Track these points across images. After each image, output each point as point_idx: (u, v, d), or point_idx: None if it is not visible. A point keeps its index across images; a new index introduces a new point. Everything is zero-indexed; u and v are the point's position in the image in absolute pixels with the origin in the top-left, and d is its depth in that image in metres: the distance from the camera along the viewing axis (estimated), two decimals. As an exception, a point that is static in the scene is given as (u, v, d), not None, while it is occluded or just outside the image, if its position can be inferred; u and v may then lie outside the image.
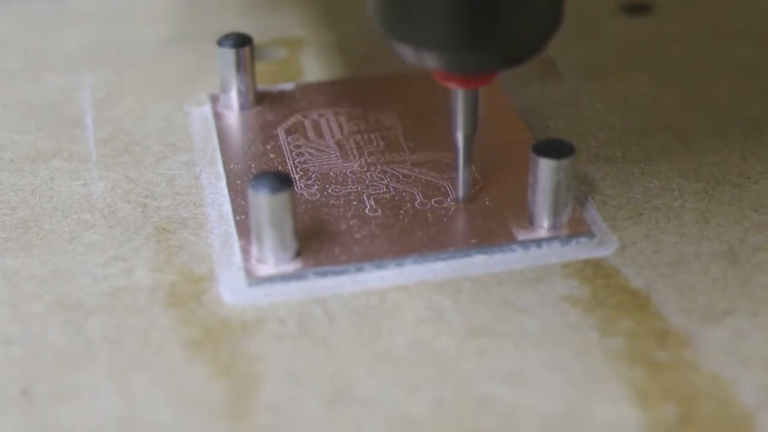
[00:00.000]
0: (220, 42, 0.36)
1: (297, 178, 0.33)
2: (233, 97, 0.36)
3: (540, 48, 0.29)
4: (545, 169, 0.31)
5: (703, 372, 0.28)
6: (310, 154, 0.35)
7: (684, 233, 0.32)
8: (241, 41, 0.36)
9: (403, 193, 0.33)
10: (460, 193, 0.33)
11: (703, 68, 0.39)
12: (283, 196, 0.29)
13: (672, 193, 0.33)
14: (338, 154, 0.35)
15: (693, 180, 0.34)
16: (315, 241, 0.31)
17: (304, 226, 0.32)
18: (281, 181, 0.29)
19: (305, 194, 0.33)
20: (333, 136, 0.35)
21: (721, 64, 0.40)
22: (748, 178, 0.34)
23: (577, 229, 0.32)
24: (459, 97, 0.31)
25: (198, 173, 0.34)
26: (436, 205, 0.32)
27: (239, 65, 0.36)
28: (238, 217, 0.32)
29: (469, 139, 0.32)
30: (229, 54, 0.36)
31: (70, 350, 0.29)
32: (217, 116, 0.36)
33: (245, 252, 0.31)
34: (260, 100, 0.37)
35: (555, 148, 0.31)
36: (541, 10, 0.28)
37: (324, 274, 0.30)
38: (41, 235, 0.32)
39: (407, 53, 0.29)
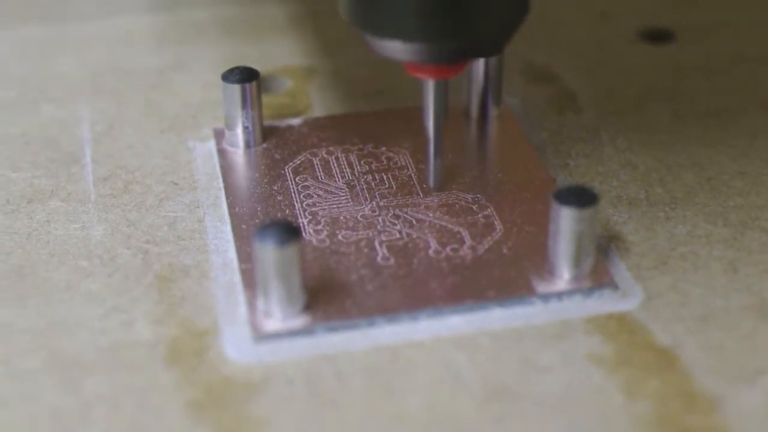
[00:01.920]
0: (225, 77, 0.34)
1: (305, 223, 0.32)
2: (239, 134, 0.35)
3: (508, 37, 0.30)
4: (567, 218, 0.29)
5: (735, 438, 0.26)
6: (318, 195, 0.33)
7: (712, 284, 0.30)
8: (246, 76, 0.34)
9: (417, 240, 0.31)
10: (432, 182, 0.33)
11: (727, 100, 0.38)
12: (291, 249, 0.28)
13: (699, 239, 0.32)
14: (349, 197, 0.33)
15: (720, 225, 0.32)
16: (324, 293, 0.30)
17: (313, 276, 0.30)
18: (289, 231, 0.28)
19: (314, 240, 0.31)
20: (343, 176, 0.34)
21: (745, 95, 0.38)
22: (778, 223, 0.33)
23: (599, 281, 0.30)
24: (430, 87, 0.31)
25: (202, 216, 0.33)
26: (451, 254, 0.31)
27: (245, 101, 0.34)
28: (243, 266, 0.30)
29: (440, 129, 0.32)
30: (234, 90, 0.34)
31: (65, 412, 0.27)
32: (222, 153, 0.35)
33: (251, 305, 0.29)
34: (267, 136, 0.35)
35: (577, 195, 0.29)
36: None
37: (334, 329, 0.29)
38: (37, 283, 0.31)
39: (377, 45, 0.29)
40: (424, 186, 0.33)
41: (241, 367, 0.28)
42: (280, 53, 0.41)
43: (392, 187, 0.33)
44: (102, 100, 0.38)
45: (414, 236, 0.31)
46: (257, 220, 0.32)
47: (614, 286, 0.30)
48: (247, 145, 0.35)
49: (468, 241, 0.31)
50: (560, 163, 0.35)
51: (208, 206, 0.33)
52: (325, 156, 0.35)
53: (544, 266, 0.30)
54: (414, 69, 0.30)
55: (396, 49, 0.29)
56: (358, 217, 0.32)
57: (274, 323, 0.29)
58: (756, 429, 0.27)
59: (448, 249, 0.31)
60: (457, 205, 0.32)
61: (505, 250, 0.31)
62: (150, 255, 0.32)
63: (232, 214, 0.32)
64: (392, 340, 0.29)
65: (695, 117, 0.37)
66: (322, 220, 0.32)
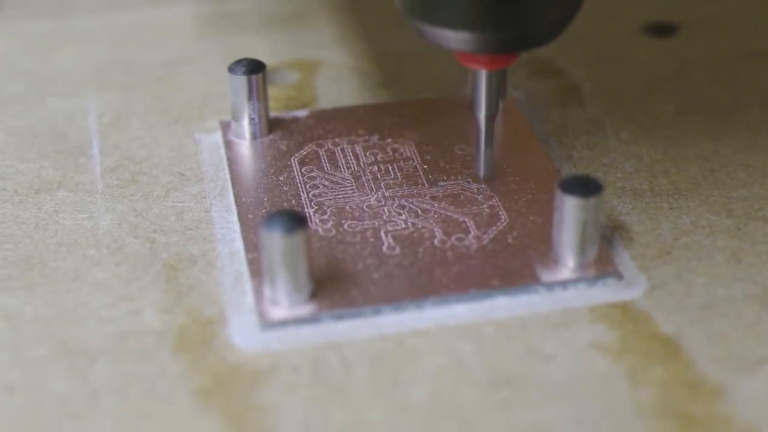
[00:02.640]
0: (232, 68, 0.34)
1: (311, 213, 0.32)
2: (245, 126, 0.35)
3: (561, 28, 0.29)
4: (571, 207, 0.29)
5: (738, 426, 0.26)
6: (324, 186, 0.33)
7: (715, 274, 0.31)
8: (253, 68, 0.34)
9: (422, 230, 0.31)
10: (481, 172, 0.33)
11: (731, 93, 0.38)
12: (297, 237, 0.28)
13: (702, 230, 0.32)
14: (354, 187, 0.33)
15: (724, 216, 0.33)
16: (330, 282, 0.30)
17: (319, 265, 0.30)
18: (295, 220, 0.28)
19: (320, 230, 0.32)
20: (348, 167, 0.34)
21: (748, 88, 0.38)
22: (782, 213, 0.33)
23: (604, 270, 0.30)
24: (482, 78, 0.31)
25: (208, 206, 0.33)
26: (456, 243, 0.31)
27: (251, 93, 0.34)
28: (249, 255, 0.31)
29: (491, 120, 0.32)
30: (240, 81, 0.34)
31: (74, 400, 0.27)
32: (228, 145, 0.35)
33: (257, 293, 0.30)
34: (273, 127, 0.36)
35: (581, 185, 0.29)
36: None
37: (340, 318, 0.29)
38: (45, 272, 0.31)
39: (430, 34, 0.29)
40: (430, 177, 0.33)
41: (248, 355, 0.28)
42: (286, 47, 0.41)
43: (398, 178, 0.33)
44: (109, 92, 0.38)
45: (419, 226, 0.32)
46: (264, 210, 0.32)
47: (618, 276, 0.30)
48: (254, 137, 0.35)
49: (473, 231, 0.31)
50: (565, 155, 0.35)
51: (215, 196, 0.33)
52: (331, 147, 0.35)
53: (549, 255, 0.30)
54: (466, 59, 0.30)
55: (449, 38, 0.29)
56: (364, 207, 0.32)
57: (280, 311, 0.29)
58: (759, 417, 0.27)
59: (453, 238, 0.31)
60: (462, 195, 0.33)
61: (509, 240, 0.31)
62: (157, 244, 0.32)
63: (238, 204, 0.33)
64: (398, 328, 0.29)
65: (699, 110, 0.37)
66: (328, 210, 0.32)
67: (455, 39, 0.29)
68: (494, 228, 0.32)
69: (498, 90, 0.32)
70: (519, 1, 0.28)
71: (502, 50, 0.30)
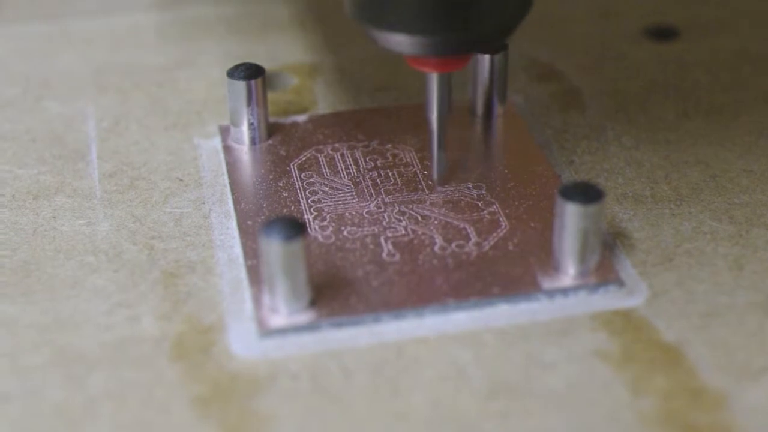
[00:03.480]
0: (230, 73, 0.34)
1: (311, 219, 0.32)
2: (244, 131, 0.35)
3: (511, 29, 0.30)
4: (572, 214, 0.29)
5: (741, 435, 0.26)
6: (324, 192, 0.33)
7: (717, 281, 0.30)
8: (252, 72, 0.34)
9: (422, 236, 0.31)
10: (435, 175, 0.33)
11: (732, 97, 0.38)
12: (296, 245, 0.28)
13: (704, 236, 0.32)
14: (354, 193, 0.33)
15: (726, 222, 0.32)
16: (330, 289, 0.30)
17: (319, 272, 0.30)
18: (295, 227, 0.28)
19: (320, 237, 0.31)
20: (348, 173, 0.34)
21: (750, 92, 0.38)
22: (784, 220, 0.33)
23: (605, 277, 0.30)
24: (433, 80, 0.31)
25: (207, 212, 0.33)
26: (456, 250, 0.31)
27: (250, 98, 0.34)
28: (249, 262, 0.30)
29: (443, 123, 0.32)
30: (239, 86, 0.34)
31: (71, 407, 0.27)
32: (227, 150, 0.35)
33: (257, 300, 0.29)
34: (272, 132, 0.35)
35: (582, 192, 0.29)
36: None
37: (339, 325, 0.29)
38: (42, 279, 0.31)
39: (380, 38, 0.29)
40: (429, 182, 0.33)
41: (247, 363, 0.28)
42: (285, 51, 0.41)
43: (397, 184, 0.33)
44: (107, 97, 0.38)
45: (419, 232, 0.31)
46: (263, 217, 0.32)
47: (620, 283, 0.30)
48: (253, 142, 0.35)
49: (473, 238, 0.31)
50: (565, 161, 0.35)
51: (214, 202, 0.33)
52: (331, 153, 0.35)
53: (550, 262, 0.30)
54: (417, 62, 0.30)
55: (399, 42, 0.29)
56: (364, 213, 0.32)
57: (279, 319, 0.29)
58: (762, 426, 0.27)
59: (453, 245, 0.31)
60: (462, 202, 0.32)
61: (510, 247, 0.31)
62: (156, 251, 0.32)
63: (237, 211, 0.32)
64: (397, 336, 0.29)
65: (700, 114, 0.37)
66: (328, 216, 0.32)
67: (403, 43, 0.29)
68: (495, 235, 0.31)
69: (449, 92, 0.32)
70: (467, 5, 0.28)
71: (450, 53, 0.30)
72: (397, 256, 0.31)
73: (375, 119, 0.36)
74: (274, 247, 0.28)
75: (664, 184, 0.34)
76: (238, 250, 0.31)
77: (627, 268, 0.31)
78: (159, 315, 0.30)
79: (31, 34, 0.42)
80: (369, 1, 0.29)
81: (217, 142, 0.36)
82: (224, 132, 0.36)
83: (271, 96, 0.37)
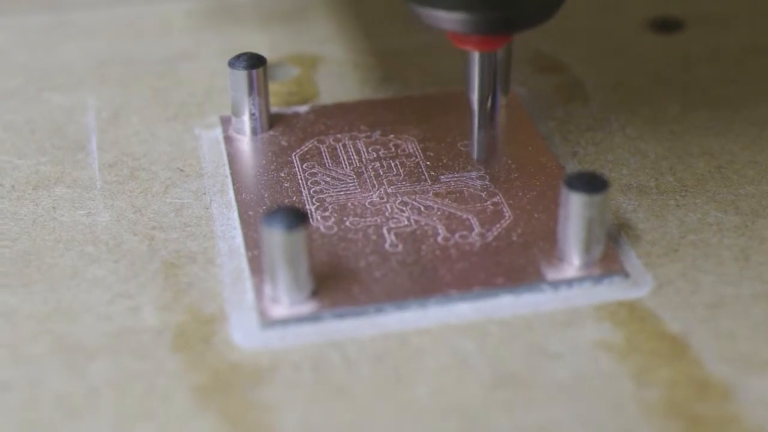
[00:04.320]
0: (232, 63, 0.34)
1: (313, 210, 0.32)
2: (245, 121, 0.34)
3: (554, 10, 0.30)
4: (577, 204, 0.29)
5: (746, 427, 0.26)
6: (326, 182, 0.33)
7: (723, 272, 0.30)
8: (253, 62, 0.34)
9: (425, 227, 0.31)
10: (475, 154, 0.33)
11: (737, 89, 0.38)
12: (298, 234, 0.28)
13: (709, 227, 0.32)
14: (356, 183, 0.33)
15: (731, 213, 0.32)
16: (332, 280, 0.29)
17: (321, 263, 0.30)
18: (296, 216, 0.28)
19: (321, 227, 0.31)
20: (350, 163, 0.34)
21: (754, 84, 0.38)
22: (789, 211, 0.32)
23: (609, 268, 0.30)
24: (475, 59, 0.31)
25: (208, 203, 0.33)
26: (460, 241, 0.31)
27: (252, 88, 0.34)
28: (250, 252, 0.30)
29: (484, 102, 0.32)
30: (241, 76, 0.34)
31: (72, 397, 0.27)
32: (229, 140, 0.35)
33: (258, 291, 0.29)
34: (273, 123, 0.35)
35: (587, 182, 0.29)
36: None
37: (341, 316, 0.29)
38: (42, 269, 0.30)
39: (424, 15, 0.29)
40: (432, 173, 0.33)
41: (248, 353, 0.28)
42: (287, 41, 0.41)
43: (400, 174, 0.33)
44: (108, 88, 0.38)
45: (422, 223, 0.31)
46: (264, 207, 0.32)
47: (624, 274, 0.30)
48: (254, 132, 0.35)
49: (477, 228, 0.31)
50: (569, 152, 0.35)
51: (215, 193, 0.33)
52: (333, 143, 0.34)
53: (554, 253, 0.30)
54: (459, 40, 0.30)
55: (443, 19, 0.29)
56: (366, 204, 0.32)
57: (281, 309, 0.29)
58: (767, 417, 0.26)
59: (456, 236, 0.31)
60: (465, 192, 0.32)
61: (514, 237, 0.31)
62: (156, 241, 0.31)
63: (238, 201, 0.32)
64: (400, 327, 0.29)
65: (705, 106, 0.37)
66: (330, 206, 0.32)
67: (448, 19, 0.29)
68: (498, 225, 0.31)
69: (491, 72, 0.32)
70: None
71: (493, 31, 0.30)
72: (400, 247, 0.30)
73: (377, 110, 0.36)
74: (275, 237, 0.28)
75: (669, 175, 0.34)
76: (239, 240, 0.31)
77: (632, 259, 0.31)
78: (160, 305, 0.29)
79: (32, 25, 0.42)
80: None
81: (218, 133, 0.35)
82: (225, 122, 0.35)
83: (272, 87, 0.37)
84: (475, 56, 0.31)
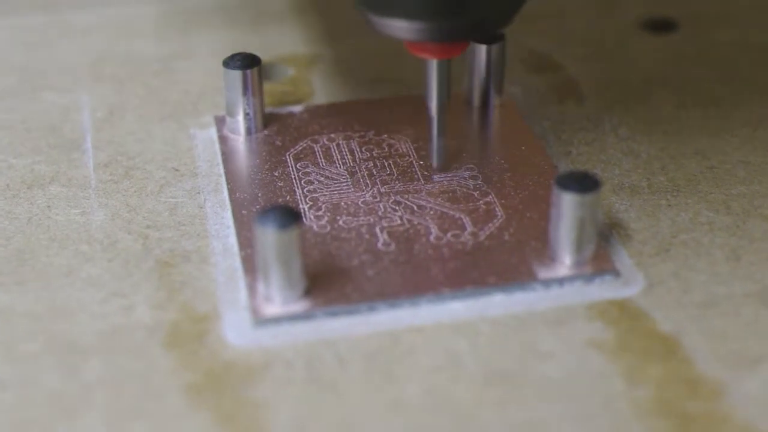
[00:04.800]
0: (226, 63, 0.34)
1: (306, 209, 0.32)
2: (240, 121, 0.35)
3: (511, 16, 0.30)
4: (568, 203, 0.29)
5: (737, 424, 0.26)
6: (319, 182, 0.33)
7: (714, 272, 0.30)
8: (248, 62, 0.34)
9: (418, 226, 0.31)
10: (435, 162, 0.33)
11: (730, 89, 0.38)
12: (291, 233, 0.28)
13: (701, 227, 0.32)
14: (350, 183, 0.33)
15: (723, 213, 0.32)
16: (325, 278, 0.30)
17: (314, 261, 0.30)
18: (289, 216, 0.28)
19: (315, 226, 0.31)
20: (344, 163, 0.34)
21: (747, 84, 0.38)
22: (781, 211, 0.32)
23: (601, 267, 0.30)
24: (433, 67, 0.31)
25: (202, 202, 0.33)
26: (452, 240, 0.31)
27: (246, 88, 0.34)
28: (243, 252, 0.30)
29: (443, 109, 0.32)
30: (235, 76, 0.34)
31: (66, 395, 0.27)
32: (223, 140, 0.35)
33: (251, 289, 0.29)
34: (268, 123, 0.35)
35: (579, 181, 0.29)
36: None
37: (334, 314, 0.29)
38: (37, 268, 0.31)
39: (379, 24, 0.29)
40: (425, 173, 0.33)
41: (241, 352, 0.28)
42: (281, 41, 0.41)
43: (393, 174, 0.33)
44: (103, 87, 0.38)
45: (415, 222, 0.31)
46: (258, 206, 0.32)
47: (616, 273, 0.30)
48: (248, 132, 0.35)
49: (469, 228, 0.31)
50: (562, 151, 0.35)
51: (209, 192, 0.33)
52: (326, 143, 0.35)
53: (546, 252, 0.30)
54: (416, 48, 0.30)
55: (398, 27, 0.29)
56: (359, 203, 0.32)
57: (274, 308, 0.29)
58: (757, 415, 0.26)
59: (449, 235, 0.31)
60: (458, 192, 0.32)
61: (506, 236, 0.31)
62: (150, 240, 0.31)
63: (232, 200, 0.32)
64: (393, 325, 0.29)
65: (698, 106, 0.37)
66: (323, 206, 0.32)
67: (403, 28, 0.29)
68: (491, 225, 0.31)
69: (449, 79, 0.32)
70: None
71: (450, 39, 0.30)
72: (393, 246, 0.31)
73: (371, 110, 0.36)
74: (268, 236, 0.28)
75: (661, 174, 0.34)
76: (232, 239, 0.31)
77: (623, 259, 0.31)
78: (153, 304, 0.29)
79: (28, 24, 0.42)
80: None
81: (212, 132, 0.36)
82: (220, 122, 0.35)
83: (267, 87, 0.37)
84: (433, 64, 0.31)
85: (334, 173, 0.33)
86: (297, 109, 0.36)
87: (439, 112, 0.32)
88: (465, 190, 0.32)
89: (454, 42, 0.30)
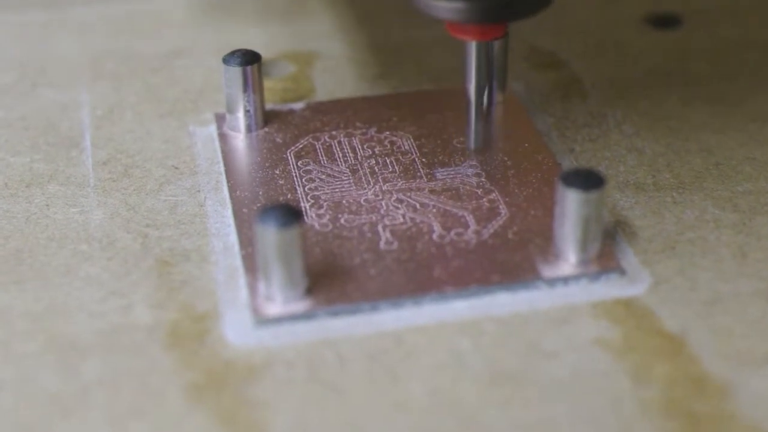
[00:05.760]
0: (226, 59, 0.34)
1: (307, 207, 0.31)
2: (240, 118, 0.34)
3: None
4: (573, 201, 0.29)
5: (744, 424, 0.26)
6: (321, 180, 0.33)
7: (720, 269, 0.30)
8: (248, 59, 0.34)
9: (421, 224, 0.31)
10: (471, 144, 0.33)
11: (735, 85, 0.37)
12: (292, 231, 0.27)
13: (707, 224, 0.31)
14: (351, 180, 0.33)
15: (729, 210, 0.32)
16: (326, 277, 0.29)
17: (315, 260, 0.30)
18: (290, 214, 0.28)
19: (316, 225, 0.31)
20: (346, 161, 0.33)
21: (752, 80, 0.38)
22: (787, 208, 0.32)
23: (606, 265, 0.30)
24: (472, 50, 0.31)
25: (202, 200, 0.32)
26: (455, 238, 0.30)
27: (246, 84, 0.34)
28: (244, 250, 0.30)
29: (481, 93, 0.32)
30: (235, 72, 0.33)
31: (65, 395, 0.27)
32: (223, 137, 0.34)
33: (252, 289, 0.29)
34: (268, 120, 0.35)
35: (583, 179, 0.29)
36: None
37: (336, 314, 0.28)
38: (35, 267, 0.30)
39: (421, 5, 0.29)
40: (428, 170, 0.33)
41: (242, 351, 0.28)
42: (282, 38, 0.40)
43: (396, 171, 0.33)
44: (102, 84, 0.38)
45: (418, 220, 0.31)
46: (258, 204, 0.32)
47: (621, 271, 0.30)
48: (249, 129, 0.34)
49: (472, 226, 0.31)
50: (566, 148, 0.34)
51: (209, 190, 0.33)
52: (328, 140, 0.34)
53: (550, 250, 0.30)
54: (456, 30, 0.30)
55: (440, 8, 0.29)
56: (361, 201, 0.32)
57: (275, 307, 0.28)
58: (765, 414, 0.26)
59: (452, 233, 0.31)
60: (461, 189, 0.32)
61: (510, 235, 0.30)
62: (150, 239, 0.31)
63: (233, 198, 0.32)
64: (395, 324, 0.28)
65: (703, 102, 0.37)
66: (325, 204, 0.32)
67: (445, 8, 0.29)
68: (494, 222, 0.31)
69: (488, 62, 0.32)
70: None
71: (490, 20, 0.30)
72: (395, 244, 0.30)
73: (373, 107, 0.36)
74: (269, 234, 0.27)
75: (667, 171, 0.33)
76: (233, 238, 0.31)
77: (629, 257, 0.30)
78: (153, 303, 0.29)
79: (27, 21, 0.42)
80: None
81: (212, 130, 0.35)
82: (220, 119, 0.35)
83: (268, 84, 0.37)
84: (472, 46, 0.31)
85: (335, 171, 0.33)
86: (298, 106, 0.36)
87: (477, 96, 0.32)
88: (468, 187, 0.32)
89: (494, 24, 0.30)
